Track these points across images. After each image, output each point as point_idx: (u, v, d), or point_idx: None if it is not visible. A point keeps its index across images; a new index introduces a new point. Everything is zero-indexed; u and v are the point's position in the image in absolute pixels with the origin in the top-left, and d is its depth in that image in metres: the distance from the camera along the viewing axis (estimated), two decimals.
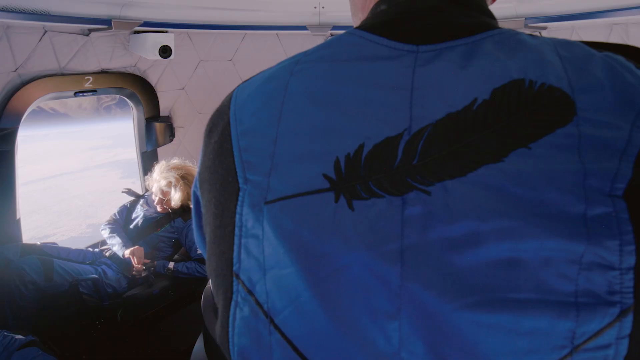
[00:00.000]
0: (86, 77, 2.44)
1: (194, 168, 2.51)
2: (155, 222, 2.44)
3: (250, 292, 0.34)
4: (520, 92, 0.31)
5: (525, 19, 2.30)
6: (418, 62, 0.34)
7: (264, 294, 0.33)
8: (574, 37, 2.37)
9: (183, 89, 2.97)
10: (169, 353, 2.22)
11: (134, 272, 2.29)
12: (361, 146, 0.32)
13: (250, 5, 2.49)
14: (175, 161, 2.52)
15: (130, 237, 2.41)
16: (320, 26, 2.76)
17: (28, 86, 2.22)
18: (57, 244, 2.34)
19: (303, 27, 2.77)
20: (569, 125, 0.29)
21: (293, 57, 0.40)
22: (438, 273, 0.29)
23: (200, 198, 0.41)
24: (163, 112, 2.92)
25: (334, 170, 0.32)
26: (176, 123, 2.99)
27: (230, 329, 0.35)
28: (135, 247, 2.30)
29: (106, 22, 2.21)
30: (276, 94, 0.36)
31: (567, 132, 0.29)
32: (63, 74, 2.36)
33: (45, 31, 2.23)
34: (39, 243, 2.26)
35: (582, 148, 0.29)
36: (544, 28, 2.44)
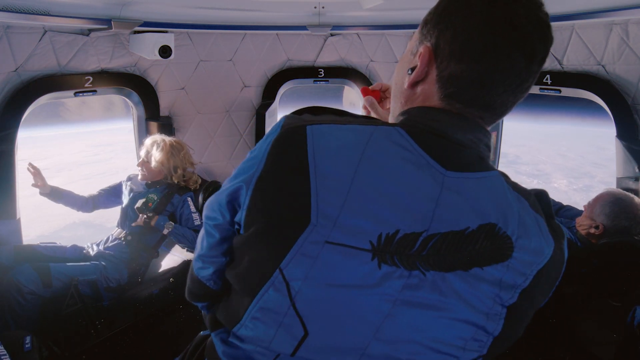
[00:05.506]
0: (86, 77, 2.44)
1: (182, 143, 2.59)
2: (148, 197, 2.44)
3: (287, 282, 0.54)
4: (492, 232, 0.54)
5: None
6: (445, 184, 0.54)
7: (296, 288, 0.54)
8: (574, 37, 2.37)
9: (183, 89, 2.97)
10: (169, 353, 2.21)
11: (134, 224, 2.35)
12: (397, 231, 0.52)
13: (250, 5, 2.49)
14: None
15: (128, 213, 2.44)
16: (320, 26, 2.75)
17: (28, 86, 2.22)
18: (56, 243, 2.34)
19: (303, 27, 2.77)
20: (503, 263, 0.54)
21: (365, 128, 0.56)
22: (413, 317, 0.54)
23: (252, 188, 0.57)
24: (163, 112, 2.92)
25: (376, 240, 0.52)
26: (176, 123, 2.99)
27: (258, 294, 0.56)
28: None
29: (106, 22, 2.21)
30: (356, 148, 0.53)
31: (501, 265, 0.54)
32: (63, 74, 2.36)
33: (45, 31, 2.23)
34: (34, 243, 2.25)
35: (504, 277, 0.54)
36: None
